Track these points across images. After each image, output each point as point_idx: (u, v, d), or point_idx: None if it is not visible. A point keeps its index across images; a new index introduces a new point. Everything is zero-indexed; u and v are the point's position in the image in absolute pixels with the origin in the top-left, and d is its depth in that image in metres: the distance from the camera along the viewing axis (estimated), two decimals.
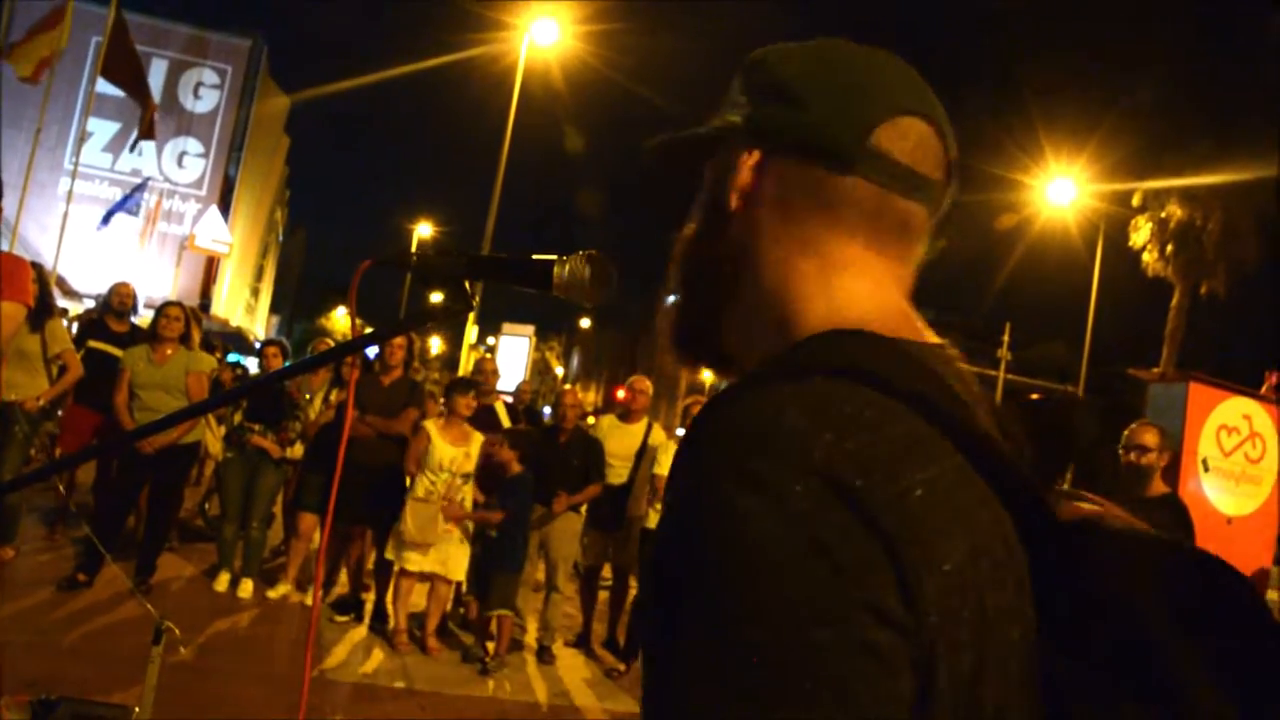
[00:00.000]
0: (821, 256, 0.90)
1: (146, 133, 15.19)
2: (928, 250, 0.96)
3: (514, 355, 27.85)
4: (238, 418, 7.29)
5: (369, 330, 1.53)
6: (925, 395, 0.75)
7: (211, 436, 7.72)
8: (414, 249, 1.42)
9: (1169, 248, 29.87)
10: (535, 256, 1.33)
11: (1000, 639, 0.70)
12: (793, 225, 0.91)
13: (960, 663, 0.67)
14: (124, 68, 14.26)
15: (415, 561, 6.47)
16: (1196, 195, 29.15)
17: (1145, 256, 30.32)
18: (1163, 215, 30.05)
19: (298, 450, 7.32)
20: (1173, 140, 30.42)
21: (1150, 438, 4.83)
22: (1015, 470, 0.75)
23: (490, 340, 37.87)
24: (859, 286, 0.89)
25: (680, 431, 7.29)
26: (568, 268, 1.29)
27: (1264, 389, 7.09)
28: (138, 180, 26.66)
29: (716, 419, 0.73)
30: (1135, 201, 30.46)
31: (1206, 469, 7.30)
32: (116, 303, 7.85)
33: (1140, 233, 30.39)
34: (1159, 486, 4.86)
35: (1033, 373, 41.45)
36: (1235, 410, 7.50)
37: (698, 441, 0.74)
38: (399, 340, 6.99)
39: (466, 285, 1.35)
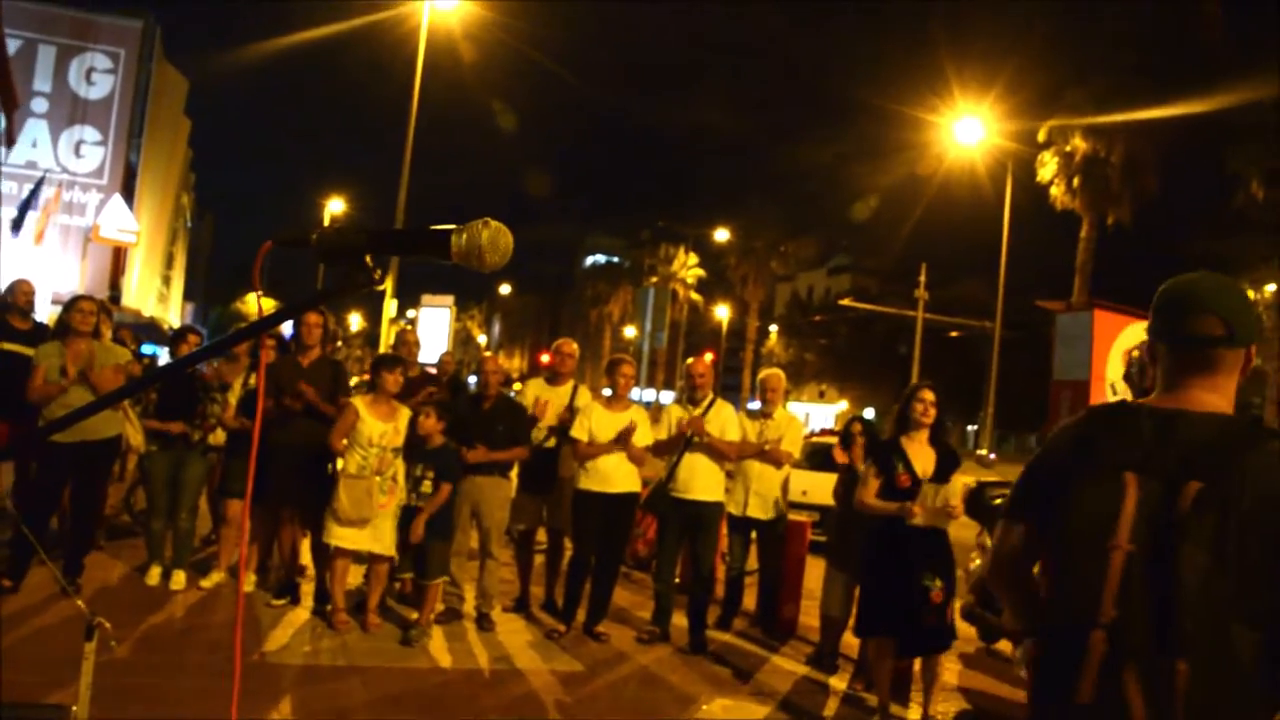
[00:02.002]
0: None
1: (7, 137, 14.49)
2: None
3: (435, 326, 27.59)
4: (137, 409, 7.21)
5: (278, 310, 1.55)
6: (1112, 415, 2.11)
7: (132, 430, 7.58)
8: (324, 227, 1.45)
9: (1075, 181, 30.57)
10: (433, 227, 1.36)
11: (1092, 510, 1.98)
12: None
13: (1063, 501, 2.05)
14: None
15: (351, 539, 6.42)
16: (1099, 129, 29.81)
17: (1053, 190, 31.01)
18: (1068, 149, 30.68)
19: (220, 437, 7.23)
20: (1075, 77, 30.98)
21: None
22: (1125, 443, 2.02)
23: (410, 313, 37.50)
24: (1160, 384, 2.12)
25: (606, 391, 7.32)
26: (465, 236, 1.32)
27: None
28: (33, 173, 25.81)
29: None
30: (1041, 137, 31.05)
31: (1115, 392, 7.55)
32: (24, 301, 7.64)
33: (1047, 167, 31.04)
34: None
35: (952, 310, 42.21)
36: (1139, 334, 7.74)
37: None
38: (314, 319, 6.92)
39: (368, 260, 1.38)
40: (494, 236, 1.33)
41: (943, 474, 5.63)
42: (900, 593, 5.48)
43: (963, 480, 5.89)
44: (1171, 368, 2.07)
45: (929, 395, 5.78)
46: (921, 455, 5.68)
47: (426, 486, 6.50)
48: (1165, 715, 1.82)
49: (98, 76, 28.83)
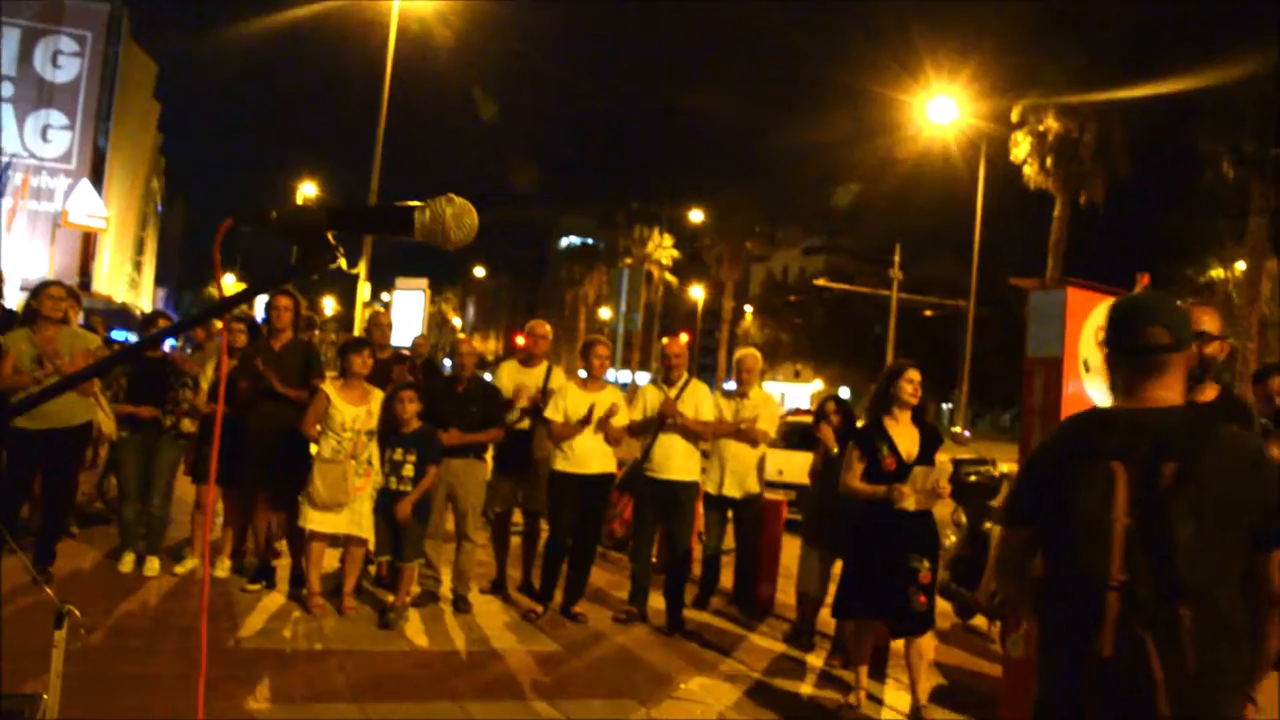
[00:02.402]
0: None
1: None
2: None
3: (409, 309, 27.47)
4: (108, 395, 7.13)
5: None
6: (1089, 420, 2.56)
7: (104, 416, 7.51)
8: (286, 204, 1.43)
9: (1048, 160, 30.70)
10: (397, 204, 1.35)
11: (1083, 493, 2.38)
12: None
13: (1068, 489, 2.43)
14: None
15: (328, 523, 6.40)
16: (1072, 109, 29.93)
17: (1026, 170, 31.13)
18: (1041, 129, 30.80)
19: (191, 425, 7.17)
20: (1048, 56, 31.12)
21: (1210, 322, 4.00)
22: (1107, 438, 2.42)
23: (385, 296, 37.34)
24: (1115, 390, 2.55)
25: (581, 373, 7.31)
26: (428, 212, 1.31)
27: (1136, 290, 7.37)
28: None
29: None
30: (1014, 117, 31.15)
31: (1087, 369, 7.56)
32: None
33: (1020, 147, 31.14)
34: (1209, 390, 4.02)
35: (926, 289, 42.38)
36: None
37: None
38: (285, 302, 6.88)
39: (330, 237, 1.36)
40: (458, 213, 1.31)
41: (926, 454, 5.55)
42: (885, 576, 5.40)
43: (948, 458, 5.84)
44: (1130, 374, 2.49)
45: (916, 375, 5.62)
46: (905, 436, 5.56)
47: (408, 470, 6.47)
48: (1175, 657, 2.19)
49: (64, 60, 28.47)
